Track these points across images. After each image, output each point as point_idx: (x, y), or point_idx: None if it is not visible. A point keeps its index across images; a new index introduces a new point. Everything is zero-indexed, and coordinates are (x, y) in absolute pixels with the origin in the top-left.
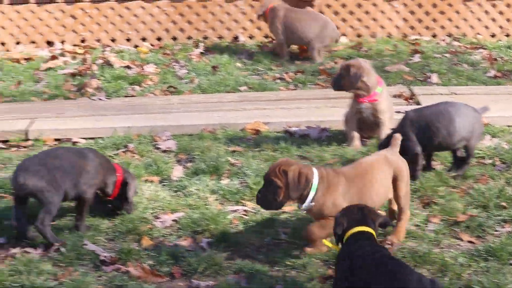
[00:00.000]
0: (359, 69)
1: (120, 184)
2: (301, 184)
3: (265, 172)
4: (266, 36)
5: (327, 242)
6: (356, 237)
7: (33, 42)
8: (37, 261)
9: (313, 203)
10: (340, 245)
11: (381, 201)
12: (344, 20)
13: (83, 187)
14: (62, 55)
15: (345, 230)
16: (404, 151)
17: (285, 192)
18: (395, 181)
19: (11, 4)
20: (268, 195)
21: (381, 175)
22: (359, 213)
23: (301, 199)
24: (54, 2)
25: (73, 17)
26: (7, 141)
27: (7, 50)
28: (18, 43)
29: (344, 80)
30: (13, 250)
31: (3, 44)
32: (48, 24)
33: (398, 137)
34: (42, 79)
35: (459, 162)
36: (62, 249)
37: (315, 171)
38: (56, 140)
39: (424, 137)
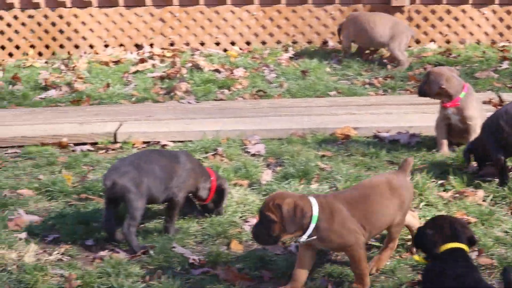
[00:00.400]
0: (438, 76)
1: (215, 189)
2: (297, 218)
3: (260, 206)
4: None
5: (417, 258)
6: (450, 254)
7: (122, 45)
8: (125, 263)
9: (315, 236)
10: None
11: (384, 227)
12: (433, 26)
13: (174, 190)
14: (150, 58)
15: (437, 245)
16: (487, 158)
17: (280, 226)
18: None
19: (100, 7)
20: (263, 230)
21: (384, 199)
22: (451, 227)
23: (301, 232)
24: (143, 5)
25: (162, 20)
26: (95, 143)
27: (96, 53)
28: (106, 46)
29: (426, 86)
30: (102, 253)
31: (91, 46)
32: (137, 27)
33: (410, 161)
34: (130, 82)
35: None
36: (151, 252)
37: (313, 201)
38: (144, 143)
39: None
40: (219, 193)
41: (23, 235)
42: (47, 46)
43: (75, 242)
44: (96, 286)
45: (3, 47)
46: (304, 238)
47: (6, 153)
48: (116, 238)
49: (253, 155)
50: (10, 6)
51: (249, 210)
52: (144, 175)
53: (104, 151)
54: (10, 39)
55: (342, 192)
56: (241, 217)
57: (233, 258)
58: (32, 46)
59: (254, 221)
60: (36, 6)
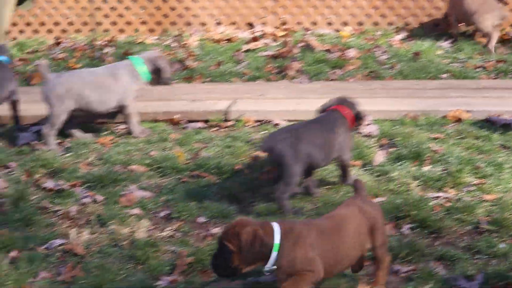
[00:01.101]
0: None
1: None
2: (255, 248)
3: (219, 234)
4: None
5: None
6: None
7: (233, 24)
8: None
9: (275, 266)
10: None
11: (357, 255)
12: None
13: (339, 153)
14: (262, 37)
15: None
16: None
17: (239, 257)
18: (370, 231)
19: None
20: (221, 260)
21: (356, 228)
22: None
23: (263, 261)
24: None
25: None
26: (207, 121)
27: (207, 31)
28: (218, 24)
29: None
30: (213, 230)
31: (203, 24)
32: (249, 5)
33: (361, 182)
34: (242, 61)
35: None
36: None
37: (276, 228)
38: (256, 121)
39: None
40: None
41: (135, 210)
42: (158, 23)
43: (187, 219)
44: (207, 263)
45: (114, 23)
46: (267, 267)
47: (118, 129)
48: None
49: (366, 136)
50: None
51: None
52: (302, 142)
53: (216, 128)
54: (121, 15)
55: (314, 220)
56: None
57: None
58: (143, 23)
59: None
60: None
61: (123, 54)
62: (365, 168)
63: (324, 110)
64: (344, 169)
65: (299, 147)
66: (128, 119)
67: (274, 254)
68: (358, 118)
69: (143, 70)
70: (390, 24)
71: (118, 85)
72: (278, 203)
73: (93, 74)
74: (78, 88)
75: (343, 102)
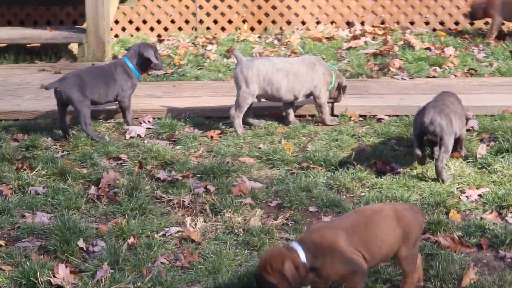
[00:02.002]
0: None
1: None
2: (301, 276)
3: (256, 270)
4: None
5: None
6: None
7: (333, 22)
8: None
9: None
10: None
11: (389, 254)
12: None
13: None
14: (362, 35)
15: None
16: None
17: (285, 286)
18: (402, 239)
19: None
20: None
21: (387, 225)
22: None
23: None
24: None
25: None
26: (313, 115)
27: (308, 29)
28: (318, 22)
29: None
30: (325, 218)
31: (303, 23)
32: (349, 5)
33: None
34: (344, 58)
35: None
36: None
37: (298, 248)
38: (360, 116)
39: None
40: None
41: (248, 200)
42: (259, 22)
43: (298, 208)
44: None
45: (215, 22)
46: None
47: (225, 123)
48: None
49: (467, 130)
50: None
51: (466, 182)
52: (452, 115)
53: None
54: (223, 14)
55: (338, 220)
56: (457, 188)
57: (453, 226)
58: (244, 21)
59: (471, 192)
60: None
61: (226, 51)
62: (467, 161)
63: None
64: None
65: (451, 120)
66: (320, 108)
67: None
68: None
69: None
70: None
71: (310, 76)
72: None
73: (286, 62)
74: (268, 74)
75: None
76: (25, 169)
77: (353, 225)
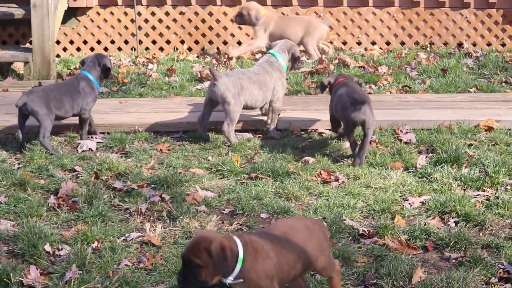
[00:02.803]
0: None
1: None
2: (227, 261)
3: (183, 251)
4: (489, 44)
5: None
6: None
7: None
8: None
9: (241, 279)
10: None
11: (304, 270)
12: None
13: None
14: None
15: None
16: None
17: (210, 270)
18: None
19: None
20: (190, 276)
21: (303, 239)
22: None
23: (226, 274)
24: (290, 5)
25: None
26: (256, 130)
27: None
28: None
29: None
30: None
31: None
32: None
33: None
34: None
35: None
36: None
37: (237, 240)
38: (302, 130)
39: None
40: None
41: (202, 207)
42: (196, 42)
43: (250, 215)
44: None
45: (154, 42)
46: (229, 280)
47: (172, 137)
48: None
49: (406, 142)
50: (162, 3)
51: (408, 190)
52: None
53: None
54: (161, 34)
55: (262, 232)
56: (400, 196)
57: (399, 230)
58: (182, 42)
59: (413, 199)
60: (188, 3)
61: (167, 70)
62: (408, 171)
63: None
64: None
65: None
66: (272, 114)
67: (238, 267)
68: None
69: (284, 63)
70: (416, 43)
71: (272, 84)
72: None
73: (255, 73)
74: (247, 86)
75: None
76: None
77: (276, 239)
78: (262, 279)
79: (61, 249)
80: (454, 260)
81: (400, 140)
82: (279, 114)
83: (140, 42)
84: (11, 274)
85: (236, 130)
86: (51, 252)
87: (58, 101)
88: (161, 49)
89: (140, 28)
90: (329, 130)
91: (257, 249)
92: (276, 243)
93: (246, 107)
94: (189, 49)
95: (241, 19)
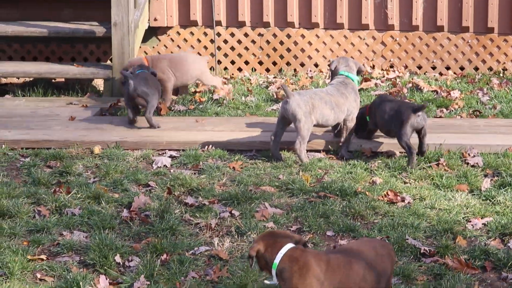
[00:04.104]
0: None
1: None
2: (259, 258)
3: None
4: None
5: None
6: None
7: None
8: None
9: (276, 282)
10: None
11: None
12: None
13: None
14: (372, 78)
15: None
16: None
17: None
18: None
19: (326, 28)
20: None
21: (373, 262)
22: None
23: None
24: (367, 29)
25: (383, 43)
26: (328, 151)
27: (320, 71)
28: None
29: None
30: (341, 241)
31: (316, 65)
32: (360, 49)
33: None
34: None
35: None
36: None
37: (283, 249)
38: (373, 152)
39: None
40: None
41: (270, 224)
42: (274, 63)
43: (316, 232)
44: None
45: (233, 62)
46: (268, 281)
47: (245, 156)
48: None
49: (472, 166)
50: (241, 24)
51: (471, 212)
52: None
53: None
54: (240, 55)
55: (329, 253)
56: (463, 217)
57: (459, 250)
58: (260, 63)
59: (476, 221)
60: (266, 25)
61: (248, 90)
62: (472, 193)
63: None
64: None
65: None
66: (346, 132)
67: (273, 271)
68: None
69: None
70: (490, 69)
71: (346, 104)
72: None
73: (328, 94)
74: (319, 105)
75: None
76: (61, 192)
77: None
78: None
79: (131, 260)
80: (511, 280)
81: (467, 163)
82: (352, 134)
83: (219, 62)
84: (81, 283)
85: (307, 150)
86: (121, 263)
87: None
88: (240, 69)
89: (219, 48)
90: (401, 152)
91: (301, 265)
92: (332, 265)
93: (317, 125)
94: (267, 70)
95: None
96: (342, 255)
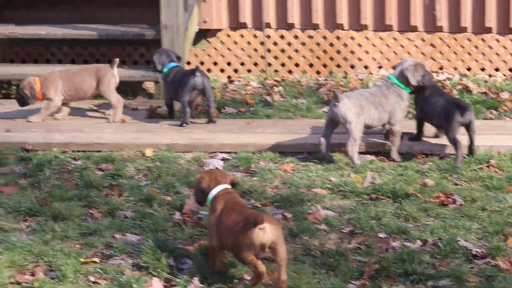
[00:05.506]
0: None
1: None
2: (197, 191)
3: None
4: None
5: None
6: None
7: (394, 68)
8: (417, 252)
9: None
10: None
11: None
12: None
13: None
14: None
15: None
16: None
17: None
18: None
19: (375, 30)
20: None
21: None
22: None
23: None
24: (416, 31)
25: (432, 45)
26: (379, 152)
27: (370, 73)
28: (380, 67)
29: None
30: (394, 243)
31: (366, 67)
32: (409, 51)
33: None
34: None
35: None
36: (440, 244)
37: (219, 187)
38: (423, 154)
39: None
40: None
41: (323, 226)
42: (324, 65)
43: (369, 235)
44: (392, 270)
45: (283, 65)
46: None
47: (297, 158)
48: None
49: None
50: (291, 26)
51: None
52: None
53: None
54: (290, 57)
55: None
56: None
57: (511, 251)
58: (310, 65)
59: None
60: (316, 27)
61: (298, 92)
62: None
63: None
64: None
65: None
66: (393, 137)
67: (208, 203)
68: None
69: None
70: None
71: (387, 105)
72: None
73: (371, 94)
74: (366, 106)
75: None
76: (113, 195)
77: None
78: (209, 225)
79: (184, 262)
80: None
81: None
82: (401, 138)
83: (269, 64)
84: (134, 286)
85: (359, 153)
86: (174, 266)
87: None
88: (290, 71)
89: (269, 50)
90: (451, 154)
91: (224, 205)
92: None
93: (364, 126)
94: (317, 72)
95: (21, 100)
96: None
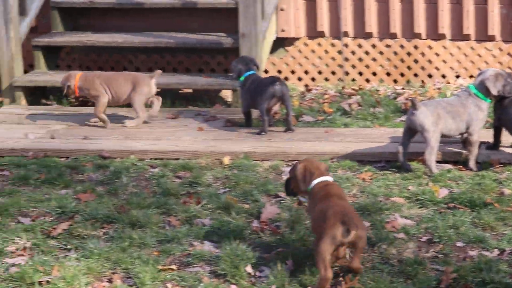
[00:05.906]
0: None
1: None
2: (298, 180)
3: None
4: None
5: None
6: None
7: (471, 77)
8: (495, 261)
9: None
10: None
11: None
12: None
13: None
14: None
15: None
16: None
17: (294, 182)
18: None
19: (453, 40)
20: (287, 182)
21: None
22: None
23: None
24: (493, 40)
25: (510, 55)
26: (456, 162)
27: (447, 83)
28: (457, 76)
29: None
30: (471, 252)
31: (443, 76)
32: (486, 60)
33: None
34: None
35: None
36: None
37: (323, 178)
38: (501, 163)
39: None
40: None
41: (401, 235)
42: (401, 74)
43: (446, 243)
44: (469, 279)
45: (360, 73)
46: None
47: (375, 166)
48: None
49: None
50: (369, 35)
51: None
52: None
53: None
54: (367, 66)
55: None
56: None
57: None
58: (388, 74)
59: None
60: (393, 36)
61: (376, 101)
62: None
63: None
64: None
65: None
66: (470, 147)
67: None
68: None
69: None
70: None
71: (465, 114)
72: None
73: (449, 104)
74: (443, 115)
75: None
76: (191, 203)
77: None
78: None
79: (262, 270)
80: None
81: None
82: (479, 147)
83: (347, 73)
84: None
85: (436, 162)
86: (252, 273)
87: None
88: (367, 80)
89: (346, 59)
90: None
91: (325, 194)
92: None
93: (441, 135)
94: (395, 81)
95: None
96: None
